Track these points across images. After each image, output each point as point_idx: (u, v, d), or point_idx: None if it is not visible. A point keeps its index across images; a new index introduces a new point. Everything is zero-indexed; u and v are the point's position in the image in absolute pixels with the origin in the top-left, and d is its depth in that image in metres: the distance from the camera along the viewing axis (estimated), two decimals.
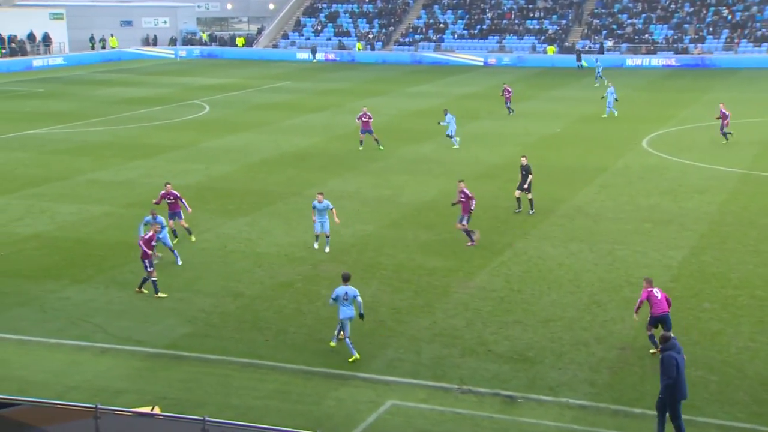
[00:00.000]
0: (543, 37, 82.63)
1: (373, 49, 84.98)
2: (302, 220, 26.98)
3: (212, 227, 26.27)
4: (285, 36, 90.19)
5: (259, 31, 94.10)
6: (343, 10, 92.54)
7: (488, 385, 16.01)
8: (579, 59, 74.34)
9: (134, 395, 15.49)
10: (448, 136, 38.63)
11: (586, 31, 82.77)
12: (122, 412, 13.14)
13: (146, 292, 20.58)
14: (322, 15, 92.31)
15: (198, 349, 17.54)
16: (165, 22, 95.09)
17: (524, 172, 27.28)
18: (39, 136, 42.03)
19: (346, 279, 17.22)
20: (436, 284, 21.33)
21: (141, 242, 20.41)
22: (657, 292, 17.24)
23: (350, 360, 16.86)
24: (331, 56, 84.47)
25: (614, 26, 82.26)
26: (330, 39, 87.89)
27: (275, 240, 24.91)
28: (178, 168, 34.66)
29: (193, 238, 24.56)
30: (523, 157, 27.82)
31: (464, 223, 24.37)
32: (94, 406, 12.64)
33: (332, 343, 17.58)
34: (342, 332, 17.17)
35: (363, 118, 37.93)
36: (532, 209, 27.53)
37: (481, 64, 79.83)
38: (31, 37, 79.80)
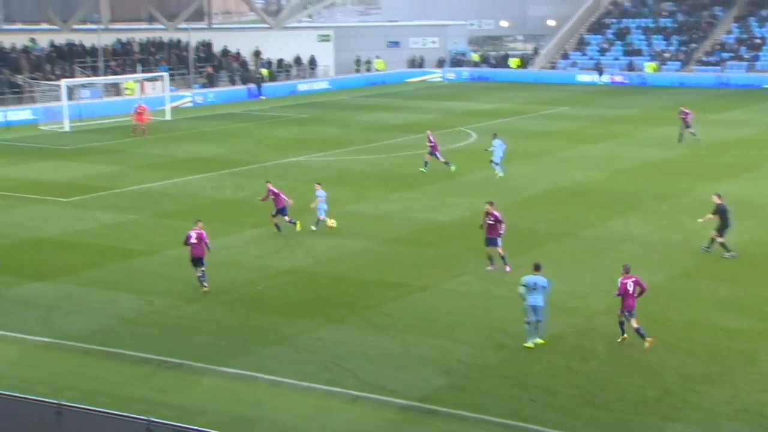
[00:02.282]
0: None
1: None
2: (577, 265, 26.56)
3: (475, 269, 26.61)
4: (565, 56, 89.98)
5: (536, 51, 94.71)
6: (635, 25, 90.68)
7: None
8: None
9: None
10: (492, 163, 39.67)
11: None
12: None
13: (207, 288, 24.08)
14: (609, 32, 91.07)
15: (454, 404, 17.76)
16: (434, 42, 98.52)
17: (717, 213, 27.36)
18: (300, 164, 45.09)
19: (537, 268, 20.53)
20: (739, 349, 20.08)
21: (207, 240, 24.32)
22: (630, 285, 19.63)
23: (524, 345, 20.20)
24: (618, 78, 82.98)
25: None
26: (618, 59, 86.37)
27: None
28: (441, 201, 35.59)
29: (298, 228, 30.00)
30: (715, 195, 27.82)
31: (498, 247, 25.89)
32: None
33: (528, 344, 20.29)
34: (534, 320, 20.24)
35: (431, 144, 40.92)
36: (708, 246, 27.63)
37: None
38: (297, 60, 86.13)
